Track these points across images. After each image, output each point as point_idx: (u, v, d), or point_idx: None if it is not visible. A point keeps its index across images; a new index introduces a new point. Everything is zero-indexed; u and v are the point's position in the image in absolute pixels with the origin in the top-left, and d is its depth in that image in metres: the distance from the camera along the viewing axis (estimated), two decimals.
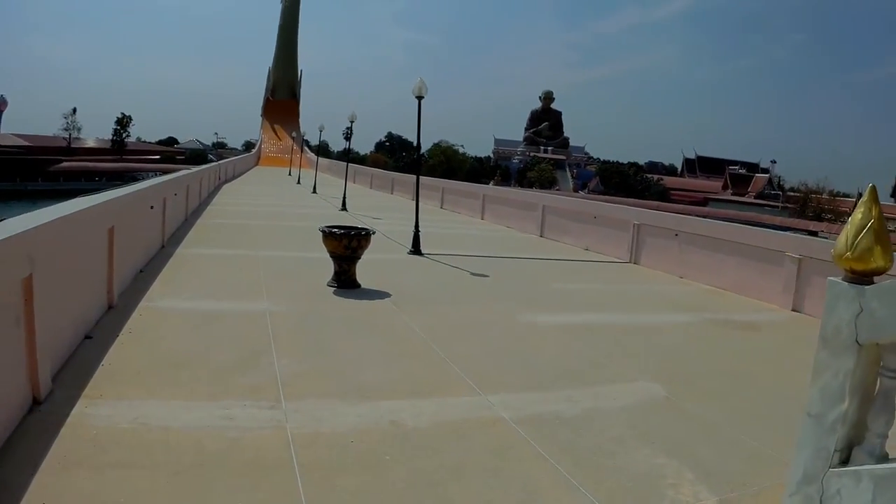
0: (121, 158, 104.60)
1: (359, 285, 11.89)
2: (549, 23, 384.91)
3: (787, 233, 16.61)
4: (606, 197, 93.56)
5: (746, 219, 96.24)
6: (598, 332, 10.19)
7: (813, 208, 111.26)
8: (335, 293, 11.38)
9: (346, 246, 11.62)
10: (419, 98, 16.87)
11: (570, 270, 17.29)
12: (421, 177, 21.69)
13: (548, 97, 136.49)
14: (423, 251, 16.97)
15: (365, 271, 12.16)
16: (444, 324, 9.83)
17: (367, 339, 8.72)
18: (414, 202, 19.14)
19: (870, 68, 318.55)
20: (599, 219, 21.35)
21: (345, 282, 11.77)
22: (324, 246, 11.93)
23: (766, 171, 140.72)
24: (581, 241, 21.73)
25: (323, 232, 11.79)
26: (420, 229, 17.34)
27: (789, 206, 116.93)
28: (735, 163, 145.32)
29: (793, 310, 13.88)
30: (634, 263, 18.98)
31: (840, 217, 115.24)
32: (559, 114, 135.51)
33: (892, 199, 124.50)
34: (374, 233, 12.10)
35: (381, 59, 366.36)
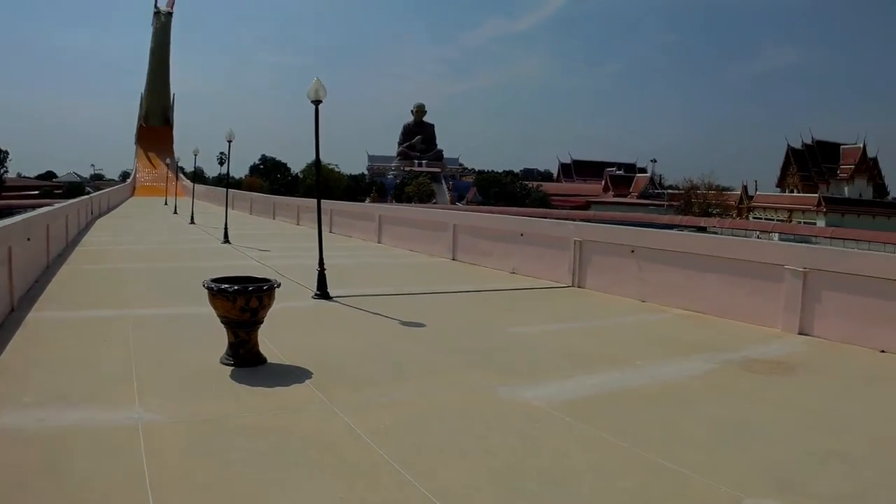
0: None
1: (264, 360, 8.60)
2: (418, 37, 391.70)
3: (786, 243, 14.56)
4: (487, 208, 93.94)
5: (634, 220, 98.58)
6: (618, 410, 7.39)
7: (699, 204, 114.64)
8: (234, 377, 8.03)
9: (244, 307, 8.26)
10: (316, 103, 13.76)
11: (513, 303, 14.70)
12: (303, 199, 18.68)
13: (420, 110, 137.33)
14: (330, 294, 13.80)
15: (266, 331, 8.88)
16: (405, 424, 6.68)
17: (301, 481, 5.41)
18: (303, 227, 16.35)
19: (746, 63, 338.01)
20: (527, 237, 18.83)
21: (245, 357, 8.45)
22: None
23: (643, 170, 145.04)
24: (506, 264, 19.25)
25: (210, 290, 8.35)
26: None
27: (674, 203, 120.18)
28: (612, 164, 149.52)
29: (801, 332, 11.82)
30: (579, 287, 16.69)
31: (727, 211, 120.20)
32: (432, 126, 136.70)
33: (778, 189, 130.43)
34: (278, 285, 8.78)
35: (251, 82, 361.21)
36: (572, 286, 16.78)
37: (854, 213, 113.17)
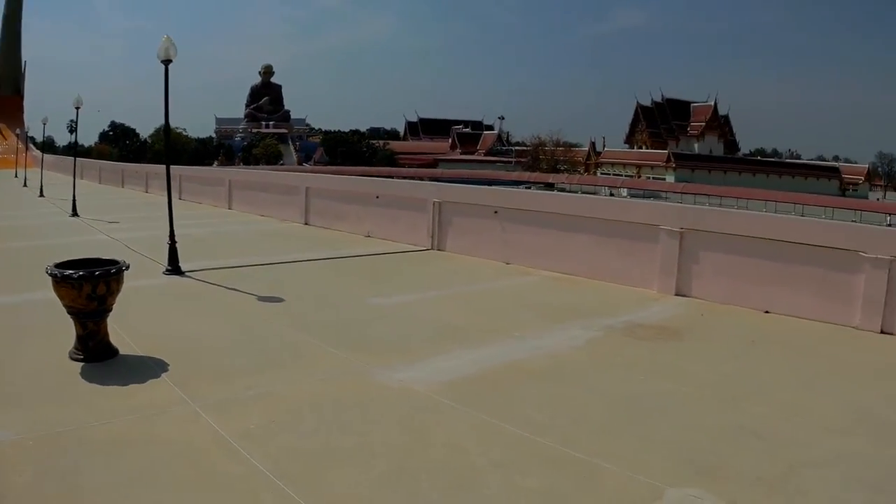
0: None
1: (116, 351, 7.58)
2: None
3: (661, 202, 14.67)
4: (335, 168, 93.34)
5: (481, 177, 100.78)
6: (506, 390, 6.95)
7: (547, 160, 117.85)
8: (85, 374, 6.95)
9: (91, 295, 7.20)
10: (166, 63, 12.42)
11: (374, 270, 14.09)
12: (153, 165, 17.41)
13: (267, 71, 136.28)
14: (182, 268, 12.70)
15: (115, 315, 7.78)
16: (276, 423, 5.86)
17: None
18: (153, 194, 15.12)
19: (595, 24, 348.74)
20: (383, 199, 18.27)
21: (95, 350, 7.42)
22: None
23: (490, 128, 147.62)
24: (360, 227, 18.74)
25: (53, 276, 7.21)
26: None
27: (522, 160, 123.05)
28: (459, 122, 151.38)
29: (678, 294, 12.03)
30: (439, 250, 16.42)
31: (575, 167, 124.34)
32: (279, 87, 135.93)
33: (626, 146, 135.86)
34: (126, 267, 7.73)
35: (102, 47, 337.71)
36: (432, 249, 16.49)
37: (704, 169, 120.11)
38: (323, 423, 5.92)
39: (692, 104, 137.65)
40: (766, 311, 10.93)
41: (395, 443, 5.56)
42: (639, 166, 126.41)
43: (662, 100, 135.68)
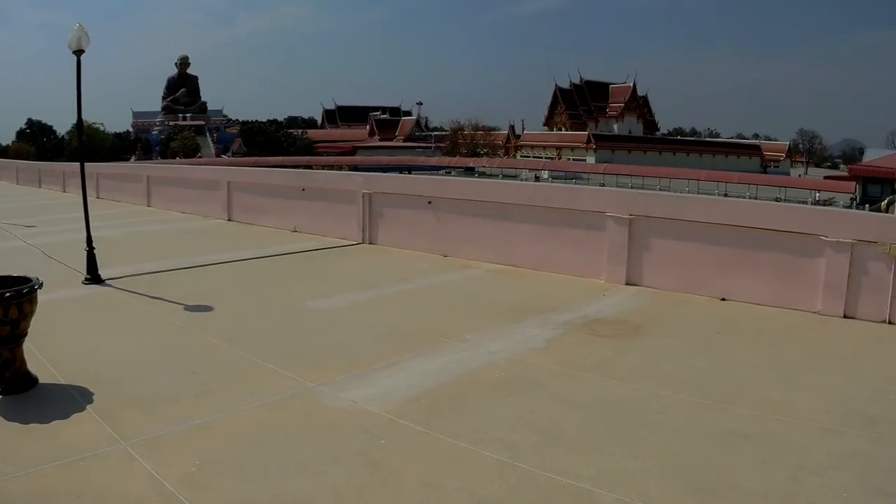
0: None
1: (35, 380, 6.62)
2: None
3: (609, 189, 14.28)
4: (252, 159, 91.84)
5: (401, 163, 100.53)
6: (471, 406, 6.31)
7: (466, 144, 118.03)
8: (1, 410, 6.04)
9: (2, 320, 6.27)
10: (78, 53, 11.26)
11: (306, 269, 13.32)
12: (69, 164, 16.38)
13: (184, 62, 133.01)
14: (102, 276, 11.63)
15: (32, 335, 6.77)
16: (219, 463, 5.01)
17: None
18: (71, 194, 14.04)
19: (513, 5, 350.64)
20: (310, 191, 17.46)
21: (12, 381, 6.44)
22: None
23: (409, 113, 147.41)
24: (286, 222, 17.91)
25: None
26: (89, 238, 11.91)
27: (441, 145, 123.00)
28: (377, 108, 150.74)
29: (628, 283, 11.68)
30: (370, 243, 15.79)
31: (495, 151, 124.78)
32: (196, 78, 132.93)
33: (545, 128, 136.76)
34: (39, 286, 6.77)
35: (16, 42, 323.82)
36: (363, 243, 15.84)
37: (624, 150, 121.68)
38: (273, 461, 5.13)
39: (611, 85, 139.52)
40: (723, 299, 10.64)
41: (362, 482, 4.82)
42: (559, 148, 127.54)
43: (581, 81, 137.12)
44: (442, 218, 14.35)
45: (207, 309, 9.81)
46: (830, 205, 77.30)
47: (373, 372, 7.07)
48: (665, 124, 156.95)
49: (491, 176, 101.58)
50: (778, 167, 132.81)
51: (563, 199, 12.86)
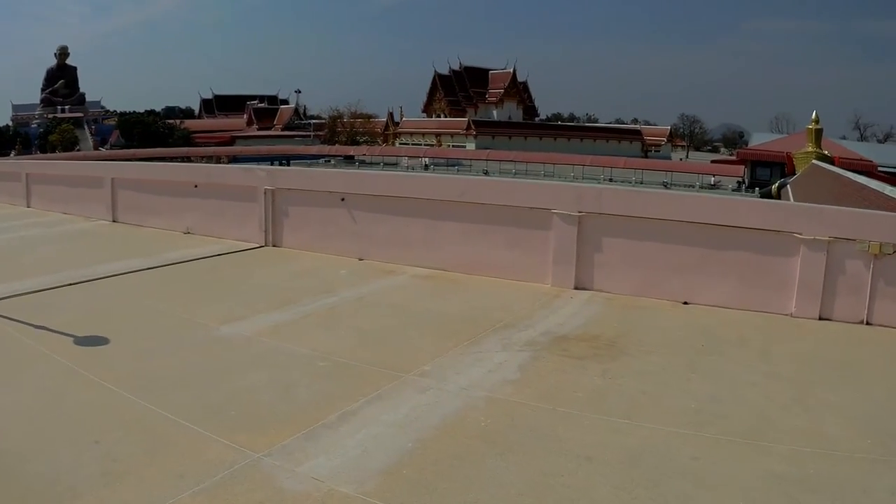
0: None
1: None
2: None
3: (554, 182, 13.17)
4: (130, 151, 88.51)
5: (280, 152, 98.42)
6: (466, 470, 5.03)
7: (346, 133, 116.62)
8: None
9: None
10: None
11: (207, 281, 11.53)
12: None
13: (63, 53, 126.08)
14: None
15: None
16: None
17: None
18: None
19: None
20: (203, 188, 15.63)
21: None
22: None
23: (286, 102, 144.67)
24: (178, 223, 15.91)
25: None
26: None
27: (320, 134, 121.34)
28: (255, 98, 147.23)
29: (578, 287, 10.68)
30: (274, 246, 14.17)
31: (375, 139, 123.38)
32: (75, 69, 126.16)
33: (424, 115, 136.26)
34: None
35: None
36: (266, 245, 14.19)
37: (504, 135, 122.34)
38: None
39: (490, 71, 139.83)
40: (685, 303, 9.77)
41: None
42: (438, 135, 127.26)
43: (461, 67, 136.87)
44: (357, 217, 12.91)
45: (102, 341, 7.86)
46: (717, 188, 79.91)
47: (326, 429, 5.61)
48: (544, 110, 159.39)
49: (371, 164, 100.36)
50: (659, 151, 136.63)
51: (500, 194, 11.63)
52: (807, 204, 11.84)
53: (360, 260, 12.60)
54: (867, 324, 8.89)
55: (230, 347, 7.88)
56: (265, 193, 14.12)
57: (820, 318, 9.06)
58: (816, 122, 40.84)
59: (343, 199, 13.08)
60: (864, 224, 9.02)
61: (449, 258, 11.75)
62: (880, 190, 16.88)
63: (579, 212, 10.47)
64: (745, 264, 9.50)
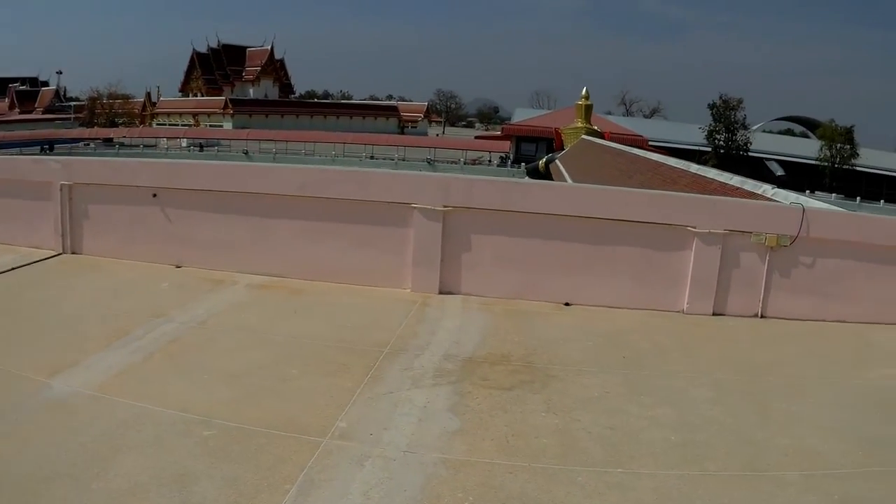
0: None
1: None
2: None
3: (414, 172, 11.70)
4: None
5: (41, 137, 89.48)
6: None
7: (105, 114, 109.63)
8: None
9: None
10: None
11: (8, 309, 8.98)
12: None
13: None
14: None
15: None
16: None
17: None
18: None
19: None
20: None
21: None
22: None
23: (46, 84, 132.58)
24: None
25: None
26: None
27: (80, 116, 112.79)
28: (17, 80, 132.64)
29: (443, 292, 9.40)
30: (73, 253, 11.29)
31: (133, 120, 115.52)
32: None
33: (181, 94, 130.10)
34: None
35: None
36: (64, 252, 11.34)
37: (262, 114, 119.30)
38: None
39: (248, 49, 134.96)
40: (567, 304, 8.87)
41: None
42: (195, 115, 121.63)
43: (219, 45, 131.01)
44: (173, 216, 10.73)
45: None
46: (480, 163, 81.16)
47: None
48: (301, 87, 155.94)
49: (131, 147, 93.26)
50: (416, 127, 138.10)
51: (349, 187, 9.99)
52: (700, 195, 11.34)
53: (178, 267, 10.45)
54: (761, 317, 8.56)
55: (71, 418, 5.49)
56: (62, 189, 11.43)
57: (714, 314, 8.61)
58: (587, 98, 42.14)
59: (155, 195, 10.79)
60: (761, 216, 8.66)
61: (286, 263, 10.00)
62: (684, 168, 17.00)
63: (444, 206, 9.14)
64: (633, 260, 8.79)
